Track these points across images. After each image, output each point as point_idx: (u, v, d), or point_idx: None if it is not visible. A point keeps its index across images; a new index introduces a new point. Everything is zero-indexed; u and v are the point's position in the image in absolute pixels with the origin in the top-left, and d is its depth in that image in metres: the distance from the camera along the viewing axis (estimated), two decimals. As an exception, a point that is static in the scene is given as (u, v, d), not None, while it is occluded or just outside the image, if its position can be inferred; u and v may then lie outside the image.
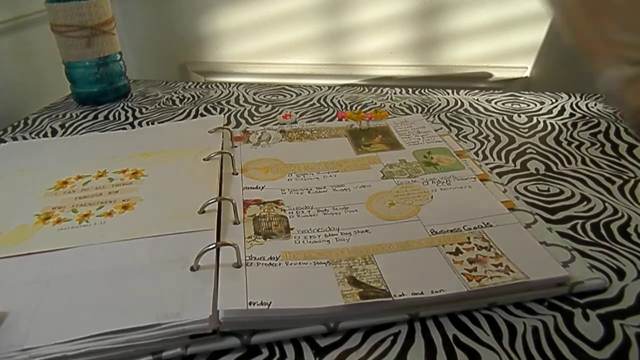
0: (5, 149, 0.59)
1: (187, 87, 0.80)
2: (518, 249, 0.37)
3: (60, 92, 0.78)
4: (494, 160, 0.53)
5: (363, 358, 0.31)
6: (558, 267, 0.35)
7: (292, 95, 0.75)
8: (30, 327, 0.31)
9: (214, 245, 0.36)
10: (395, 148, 0.55)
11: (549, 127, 0.61)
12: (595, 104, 0.67)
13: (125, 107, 0.72)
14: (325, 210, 0.43)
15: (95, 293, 0.34)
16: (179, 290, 0.34)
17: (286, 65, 1.01)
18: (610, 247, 0.39)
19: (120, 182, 0.49)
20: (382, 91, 0.75)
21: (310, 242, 0.39)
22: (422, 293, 0.33)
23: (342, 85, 0.79)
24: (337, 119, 0.65)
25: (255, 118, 0.67)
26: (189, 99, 0.75)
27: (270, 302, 0.32)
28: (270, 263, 0.36)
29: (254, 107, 0.71)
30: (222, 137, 0.57)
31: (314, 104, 0.71)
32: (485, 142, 0.57)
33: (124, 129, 0.65)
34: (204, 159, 0.51)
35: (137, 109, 0.71)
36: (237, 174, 0.49)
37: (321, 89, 0.77)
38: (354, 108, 0.69)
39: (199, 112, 0.69)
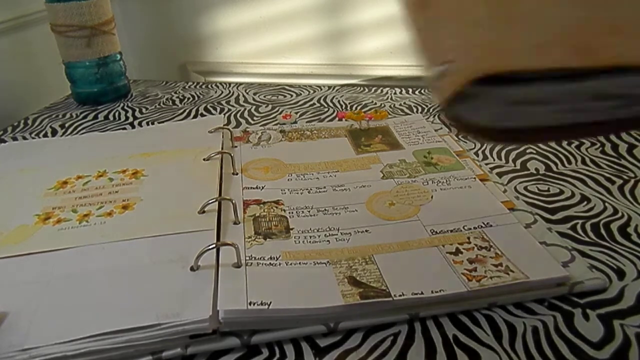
0: (5, 149, 0.59)
1: (187, 87, 0.80)
2: (518, 249, 0.37)
3: (60, 92, 0.78)
4: (494, 160, 0.53)
5: (363, 358, 0.31)
6: (558, 267, 0.35)
7: (292, 95, 0.75)
8: (30, 327, 0.31)
9: (214, 245, 0.36)
10: (395, 148, 0.55)
11: (549, 127, 0.60)
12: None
13: (125, 107, 0.72)
14: (325, 210, 0.43)
15: (95, 293, 0.34)
16: (179, 290, 0.34)
17: (286, 65, 1.01)
18: (610, 247, 0.39)
19: (120, 182, 0.49)
20: (382, 91, 0.75)
21: (310, 242, 0.39)
22: (422, 293, 0.33)
23: (342, 85, 0.79)
24: (337, 119, 0.65)
25: (255, 118, 0.67)
26: (189, 99, 0.75)
27: (270, 302, 0.32)
28: (270, 263, 0.36)
29: (254, 107, 0.71)
30: (222, 137, 0.57)
31: (314, 104, 0.71)
32: (485, 142, 0.57)
33: (124, 129, 0.65)
34: (204, 159, 0.51)
35: (137, 109, 0.71)
36: (237, 174, 0.49)
37: (321, 89, 0.77)
38: (354, 108, 0.69)
39: (199, 112, 0.69)
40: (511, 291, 0.34)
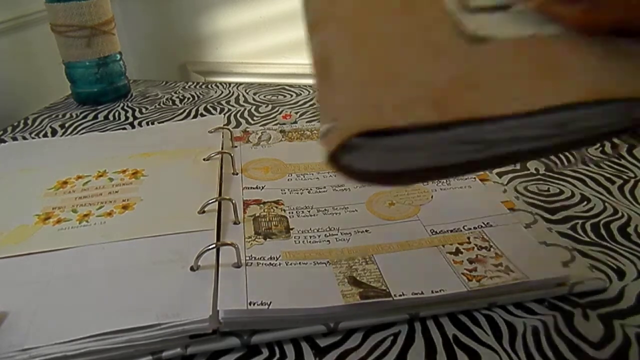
0: (5, 149, 0.59)
1: (187, 87, 0.80)
2: (518, 249, 0.37)
3: (60, 92, 0.78)
4: (494, 160, 0.53)
5: (363, 358, 0.31)
6: (558, 267, 0.35)
7: (292, 95, 0.75)
8: (30, 327, 0.31)
9: (214, 245, 0.36)
10: (395, 148, 0.54)
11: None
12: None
13: (125, 107, 0.72)
14: (325, 210, 0.43)
15: (95, 293, 0.34)
16: (179, 290, 0.34)
17: (286, 65, 1.01)
18: (610, 247, 0.39)
19: (120, 182, 0.49)
20: (382, 91, 0.75)
21: (310, 242, 0.39)
22: (422, 293, 0.33)
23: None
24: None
25: (255, 118, 0.67)
26: (189, 99, 0.75)
27: (270, 302, 0.32)
28: (270, 263, 0.36)
29: (254, 107, 0.71)
30: (222, 137, 0.57)
31: (314, 104, 0.71)
32: (485, 142, 0.57)
33: (124, 129, 0.65)
34: (204, 159, 0.51)
35: (137, 109, 0.71)
36: (237, 174, 0.49)
37: (321, 89, 0.77)
38: (354, 108, 0.68)
39: (199, 112, 0.69)
40: (511, 291, 0.34)
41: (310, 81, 0.94)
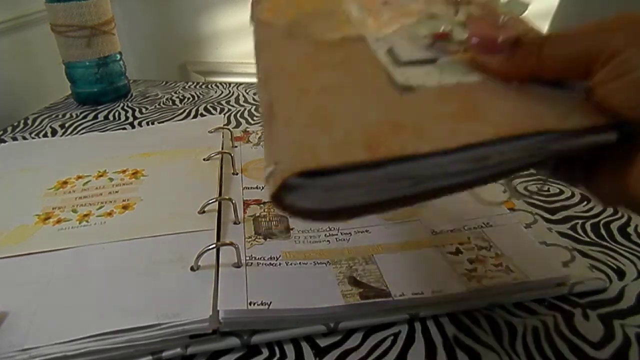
0: (5, 149, 0.59)
1: (187, 87, 0.80)
2: (518, 249, 0.37)
3: (60, 92, 0.78)
4: (494, 160, 0.53)
5: (363, 358, 0.31)
6: (558, 267, 0.35)
7: (292, 95, 0.75)
8: (30, 327, 0.31)
9: (214, 245, 0.36)
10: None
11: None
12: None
13: (125, 107, 0.72)
14: (325, 210, 0.43)
15: (95, 293, 0.34)
16: (179, 290, 0.34)
17: (286, 65, 1.01)
18: (610, 247, 0.39)
19: (120, 182, 0.49)
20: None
21: (310, 242, 0.39)
22: (422, 293, 0.33)
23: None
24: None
25: (255, 118, 0.67)
26: (189, 99, 0.75)
27: (270, 302, 0.32)
28: (270, 263, 0.36)
29: (254, 107, 0.71)
30: (222, 137, 0.56)
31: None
32: (485, 142, 0.57)
33: (124, 129, 0.65)
34: (204, 159, 0.51)
35: (137, 109, 0.71)
36: (237, 174, 0.49)
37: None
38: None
39: (199, 112, 0.69)
40: (511, 291, 0.34)
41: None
